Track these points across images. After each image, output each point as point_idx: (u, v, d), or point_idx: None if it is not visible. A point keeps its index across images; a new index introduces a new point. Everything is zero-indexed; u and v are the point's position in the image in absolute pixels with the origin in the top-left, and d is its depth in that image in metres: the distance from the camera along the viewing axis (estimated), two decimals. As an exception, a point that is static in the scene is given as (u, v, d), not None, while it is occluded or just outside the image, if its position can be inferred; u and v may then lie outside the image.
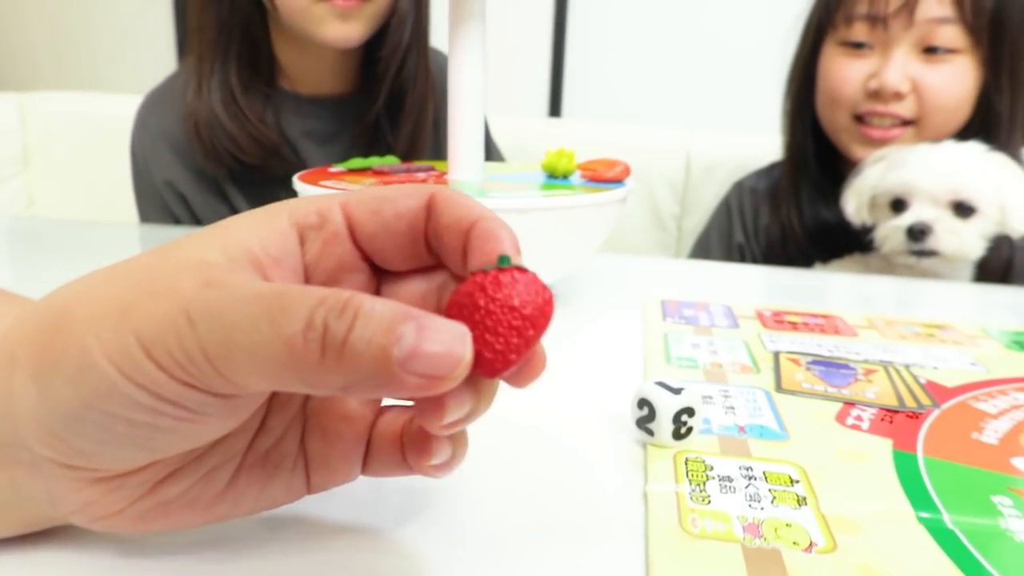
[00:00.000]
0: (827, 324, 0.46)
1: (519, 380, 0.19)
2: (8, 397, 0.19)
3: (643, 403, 0.29)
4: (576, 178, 0.48)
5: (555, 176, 0.48)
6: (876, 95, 0.76)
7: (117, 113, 1.17)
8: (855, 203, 0.77)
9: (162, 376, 0.17)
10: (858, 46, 0.78)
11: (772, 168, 0.94)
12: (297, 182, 0.43)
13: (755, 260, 0.91)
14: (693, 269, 0.68)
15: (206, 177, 0.81)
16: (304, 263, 0.21)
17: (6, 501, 0.20)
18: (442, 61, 0.89)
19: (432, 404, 0.18)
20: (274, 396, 0.22)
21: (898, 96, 0.75)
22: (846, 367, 0.38)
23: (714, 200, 1.28)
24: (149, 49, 2.05)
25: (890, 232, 0.72)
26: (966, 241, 0.68)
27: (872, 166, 0.77)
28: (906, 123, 0.77)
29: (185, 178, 0.82)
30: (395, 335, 0.16)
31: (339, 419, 0.22)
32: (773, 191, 0.90)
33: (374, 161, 0.50)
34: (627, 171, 0.47)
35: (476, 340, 0.17)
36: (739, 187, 0.95)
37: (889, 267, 0.78)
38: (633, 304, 0.49)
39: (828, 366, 0.38)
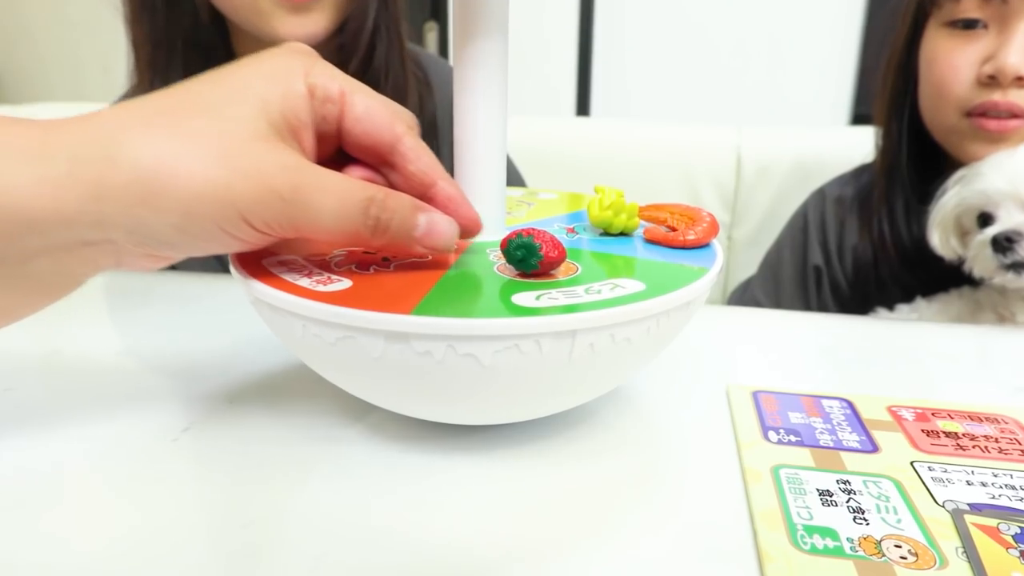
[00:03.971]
0: (1003, 437, 0.31)
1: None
2: (105, 226, 0.24)
3: None
4: (639, 238, 0.34)
5: (610, 233, 0.34)
6: (992, 82, 0.62)
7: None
8: (939, 233, 0.65)
9: (252, 232, 0.26)
10: (969, 25, 0.63)
11: (861, 172, 0.78)
12: (232, 259, 0.30)
13: (836, 288, 0.76)
14: (771, 322, 0.54)
15: None
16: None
17: (65, 275, 0.26)
18: (445, 72, 0.76)
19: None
20: None
21: (1020, 81, 0.61)
22: (1081, 546, 0.24)
23: (769, 205, 1.13)
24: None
25: (976, 250, 0.60)
26: None
27: (952, 188, 0.64)
28: None
29: None
30: (414, 223, 0.27)
31: None
32: (863, 201, 0.74)
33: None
34: (714, 228, 0.33)
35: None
36: (821, 196, 0.80)
37: (1004, 300, 0.64)
38: (714, 393, 0.36)
39: (1053, 546, 0.24)
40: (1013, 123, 0.62)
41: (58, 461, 0.30)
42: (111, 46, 1.86)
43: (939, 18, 0.65)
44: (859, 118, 1.67)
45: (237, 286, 0.29)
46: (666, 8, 1.59)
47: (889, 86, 0.72)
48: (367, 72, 0.66)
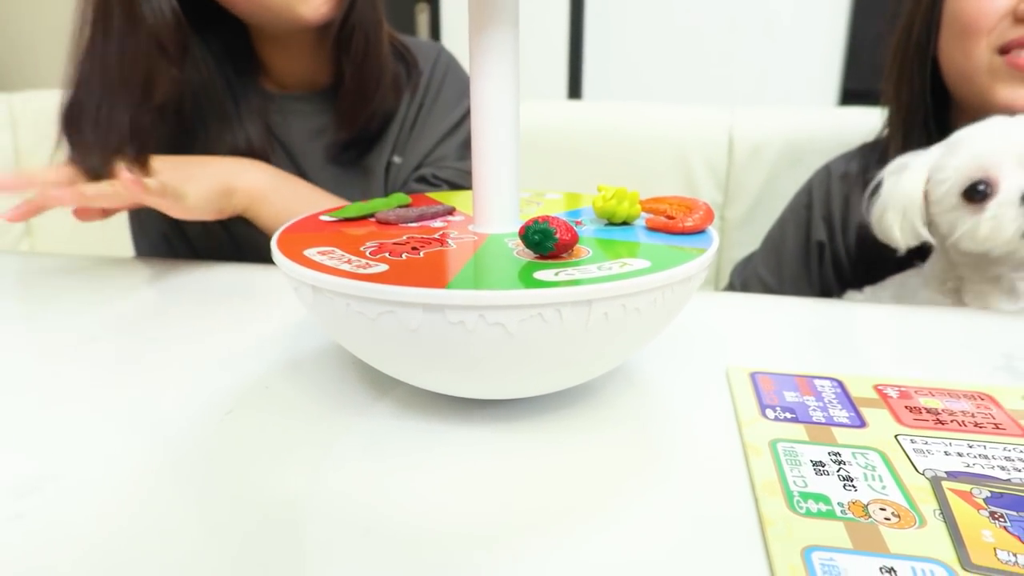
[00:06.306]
0: (979, 412, 0.34)
1: None
2: None
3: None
4: (641, 227, 0.37)
5: (613, 223, 0.37)
6: None
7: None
8: (898, 221, 0.61)
9: None
10: None
11: (866, 149, 0.80)
12: (276, 252, 0.33)
13: (838, 264, 0.78)
14: (767, 307, 0.57)
15: None
16: None
17: None
18: (431, 52, 0.81)
19: None
20: None
21: None
22: (1043, 507, 0.27)
23: (761, 185, 1.15)
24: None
25: (995, 216, 0.53)
26: None
27: (893, 176, 0.62)
28: None
29: None
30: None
31: None
32: (870, 178, 0.76)
33: (377, 205, 0.40)
34: (709, 216, 0.36)
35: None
36: (826, 172, 0.81)
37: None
38: (714, 374, 0.38)
39: (1020, 508, 0.27)
40: None
41: (120, 441, 0.33)
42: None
43: None
44: (848, 93, 1.69)
45: (256, 275, 0.32)
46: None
47: (913, 40, 0.72)
48: (347, 49, 0.71)
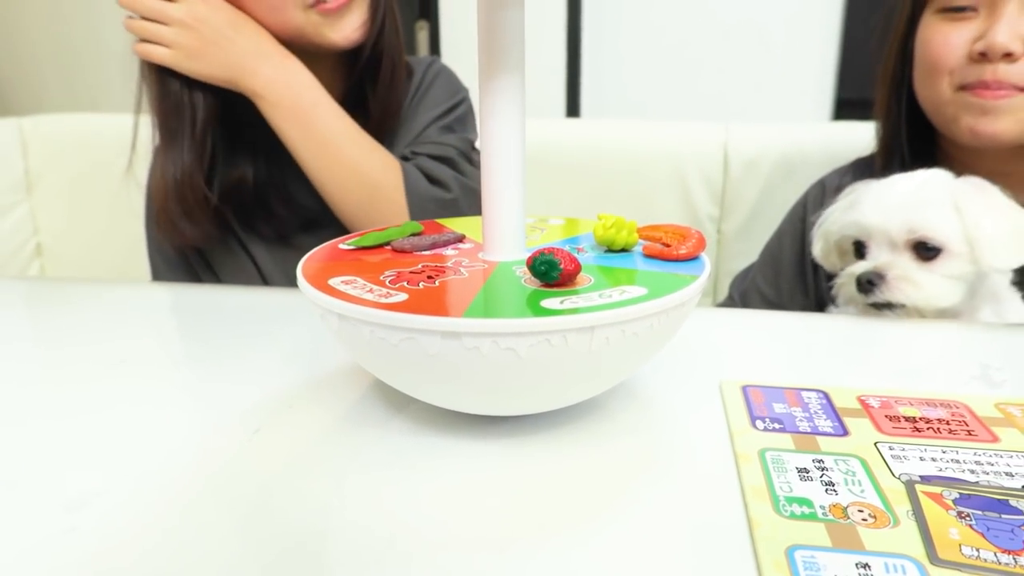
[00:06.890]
0: (953, 420, 0.37)
1: None
2: None
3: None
4: (639, 253, 0.40)
5: (613, 250, 0.40)
6: (983, 59, 0.68)
7: (121, 134, 1.10)
8: (821, 246, 0.69)
9: None
10: (961, 10, 0.70)
11: (860, 164, 0.84)
12: (302, 281, 0.35)
13: (833, 277, 0.81)
14: (758, 323, 0.60)
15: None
16: None
17: None
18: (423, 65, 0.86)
19: None
20: None
21: (1009, 57, 0.67)
22: (1007, 507, 0.30)
23: (757, 199, 1.19)
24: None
25: (844, 280, 0.63)
26: (928, 288, 0.59)
27: (841, 201, 0.68)
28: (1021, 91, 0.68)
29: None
30: None
31: None
32: None
33: (393, 234, 0.43)
34: (702, 243, 0.39)
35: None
36: (821, 187, 0.85)
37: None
38: (708, 388, 0.41)
39: (985, 508, 0.30)
40: (1002, 93, 0.68)
41: (158, 458, 0.35)
42: (105, 57, 1.89)
43: (934, 6, 0.72)
44: (842, 102, 1.73)
45: (273, 297, 0.34)
46: (655, 9, 1.64)
47: (889, 72, 0.78)
48: (378, 64, 0.75)
